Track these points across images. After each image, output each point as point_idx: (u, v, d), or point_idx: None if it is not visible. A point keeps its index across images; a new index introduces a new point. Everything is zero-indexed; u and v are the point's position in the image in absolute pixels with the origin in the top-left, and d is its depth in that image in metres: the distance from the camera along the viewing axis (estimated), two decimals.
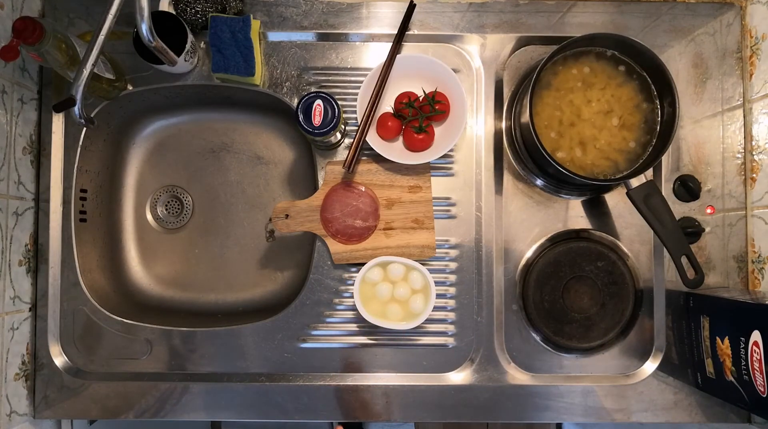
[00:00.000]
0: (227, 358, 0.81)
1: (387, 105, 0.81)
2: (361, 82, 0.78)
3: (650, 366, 0.82)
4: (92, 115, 0.79)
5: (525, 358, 0.82)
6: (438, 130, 0.81)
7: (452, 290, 0.82)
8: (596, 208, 0.83)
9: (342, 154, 0.83)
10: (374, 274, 0.77)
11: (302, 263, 0.92)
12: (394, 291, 0.77)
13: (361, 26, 0.84)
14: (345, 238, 0.81)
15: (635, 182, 0.73)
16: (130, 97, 0.83)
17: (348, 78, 0.83)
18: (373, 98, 0.78)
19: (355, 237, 0.81)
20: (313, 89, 0.83)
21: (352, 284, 0.80)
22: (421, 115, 0.78)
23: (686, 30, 0.83)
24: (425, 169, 0.82)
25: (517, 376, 0.81)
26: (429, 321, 0.81)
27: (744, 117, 0.82)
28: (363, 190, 0.81)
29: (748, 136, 0.82)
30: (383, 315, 0.77)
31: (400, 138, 0.81)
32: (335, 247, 0.81)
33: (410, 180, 0.82)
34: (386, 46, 0.81)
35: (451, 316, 0.82)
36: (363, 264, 0.78)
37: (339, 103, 0.74)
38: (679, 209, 0.82)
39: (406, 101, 0.78)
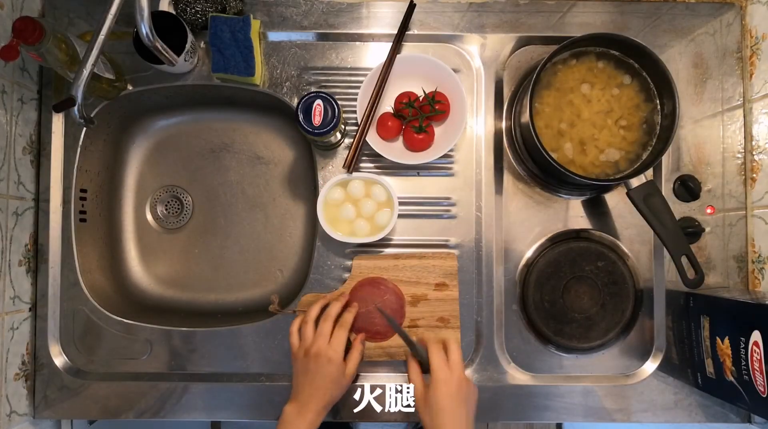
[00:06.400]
0: (227, 358, 0.81)
1: (387, 105, 0.81)
2: (361, 82, 0.78)
3: (650, 366, 0.82)
4: (92, 115, 0.79)
5: (525, 358, 0.82)
6: (438, 130, 0.81)
7: None
8: (596, 208, 0.83)
9: (342, 154, 0.83)
10: (335, 194, 0.78)
11: (302, 263, 0.92)
12: (359, 208, 0.78)
13: (361, 26, 0.84)
14: (369, 336, 0.79)
15: (635, 182, 0.73)
16: (129, 97, 0.83)
17: (348, 78, 0.83)
18: (373, 98, 0.78)
19: (379, 335, 0.79)
20: (313, 89, 0.83)
21: None
22: (421, 115, 0.78)
23: (686, 30, 0.83)
24: (451, 267, 0.80)
25: (517, 376, 0.81)
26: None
27: (744, 117, 0.82)
28: (389, 286, 0.80)
29: (748, 136, 0.82)
30: (352, 232, 0.78)
31: (400, 138, 0.81)
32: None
33: (436, 277, 0.80)
34: (386, 46, 0.81)
35: None
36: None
37: (339, 103, 0.74)
38: (679, 209, 0.82)
39: (406, 101, 0.78)
